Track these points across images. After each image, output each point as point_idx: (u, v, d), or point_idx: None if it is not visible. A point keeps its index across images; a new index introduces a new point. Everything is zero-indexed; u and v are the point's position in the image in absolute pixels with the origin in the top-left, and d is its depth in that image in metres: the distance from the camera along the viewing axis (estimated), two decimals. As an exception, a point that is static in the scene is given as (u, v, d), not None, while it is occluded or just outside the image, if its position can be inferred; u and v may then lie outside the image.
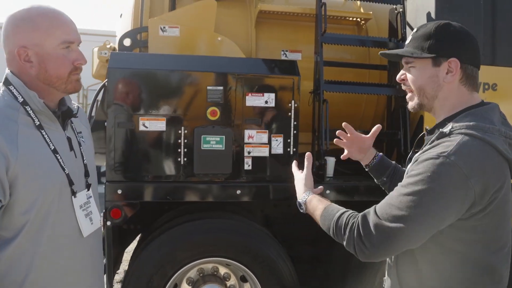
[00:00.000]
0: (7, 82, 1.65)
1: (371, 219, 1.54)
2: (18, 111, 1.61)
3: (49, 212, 1.63)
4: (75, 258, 1.74)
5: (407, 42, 1.71)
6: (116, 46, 3.99)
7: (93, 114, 3.38)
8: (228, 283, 3.44)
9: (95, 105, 3.33)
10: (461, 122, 1.53)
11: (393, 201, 1.53)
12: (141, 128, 3.02)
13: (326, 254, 4.07)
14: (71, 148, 1.76)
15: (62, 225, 1.67)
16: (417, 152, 1.76)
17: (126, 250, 4.11)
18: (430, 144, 1.58)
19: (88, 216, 1.79)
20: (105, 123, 3.06)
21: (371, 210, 1.58)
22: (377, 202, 3.51)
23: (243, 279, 3.42)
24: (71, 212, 1.71)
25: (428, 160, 1.48)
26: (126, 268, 4.78)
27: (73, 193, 1.71)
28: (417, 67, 1.65)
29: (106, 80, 3.07)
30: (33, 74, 1.64)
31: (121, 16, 4.29)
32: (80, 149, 1.83)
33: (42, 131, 1.64)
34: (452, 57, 1.58)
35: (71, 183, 1.70)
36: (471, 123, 1.51)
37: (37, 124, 1.63)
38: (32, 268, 1.60)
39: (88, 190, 1.82)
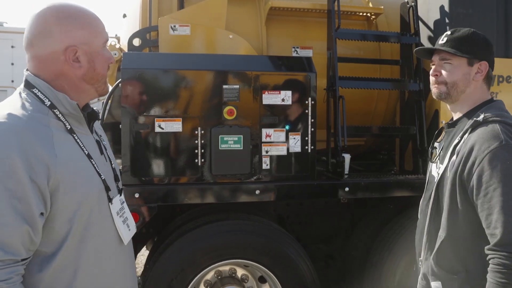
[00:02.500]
0: (29, 85, 1.50)
1: (500, 241, 1.64)
2: (48, 115, 1.47)
3: (89, 221, 1.52)
4: (118, 267, 1.65)
5: (442, 42, 1.93)
6: (121, 46, 3.92)
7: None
8: (246, 285, 3.39)
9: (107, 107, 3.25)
10: (489, 113, 1.81)
11: (497, 209, 1.65)
12: (157, 129, 2.95)
13: (340, 252, 4.05)
14: (101, 152, 1.67)
15: (103, 234, 1.58)
16: (436, 144, 2.05)
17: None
18: (465, 132, 1.81)
19: (125, 222, 1.69)
20: (119, 126, 2.98)
21: (493, 242, 1.67)
22: (396, 198, 3.52)
23: (261, 280, 3.37)
24: (110, 219, 1.61)
25: (495, 156, 1.68)
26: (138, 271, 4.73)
27: (110, 200, 1.61)
28: (454, 64, 1.90)
29: (119, 81, 3.00)
30: (78, 75, 1.53)
31: (124, 16, 4.20)
32: (107, 153, 1.73)
33: (74, 135, 1.53)
34: (483, 60, 1.89)
35: (107, 189, 1.60)
36: (498, 113, 1.81)
37: (68, 128, 1.51)
38: (75, 283, 1.49)
39: (121, 195, 1.72)
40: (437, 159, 1.99)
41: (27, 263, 1.41)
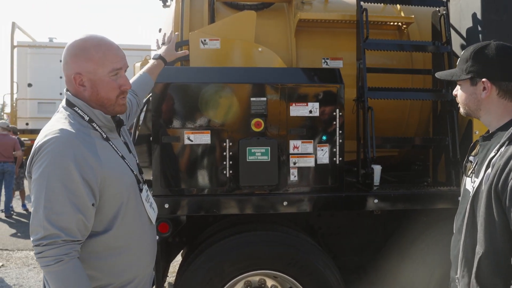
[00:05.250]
0: (71, 104, 1.89)
1: None
2: (88, 127, 1.87)
3: (128, 207, 1.89)
4: (151, 241, 2.06)
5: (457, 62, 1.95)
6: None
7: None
8: (276, 296, 3.40)
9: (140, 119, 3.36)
10: None
11: None
12: (186, 141, 3.03)
13: (372, 264, 4.00)
14: (130, 151, 2.06)
15: (139, 216, 1.97)
16: (471, 157, 1.99)
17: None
18: (501, 145, 1.75)
19: (151, 206, 2.08)
20: (150, 138, 3.08)
21: None
22: (429, 210, 3.43)
23: (291, 291, 3.37)
24: (142, 205, 1.99)
25: None
26: (171, 280, 4.82)
27: (141, 190, 2.00)
28: (462, 85, 1.93)
29: (150, 94, 3.10)
30: (86, 96, 1.89)
31: (160, 30, 4.34)
32: (133, 150, 2.11)
33: (109, 141, 1.91)
34: (483, 78, 1.83)
35: (138, 181, 1.99)
36: None
37: (105, 137, 1.89)
38: (121, 255, 1.87)
39: (145, 184, 2.08)
40: (471, 173, 1.93)
41: (82, 243, 1.76)
